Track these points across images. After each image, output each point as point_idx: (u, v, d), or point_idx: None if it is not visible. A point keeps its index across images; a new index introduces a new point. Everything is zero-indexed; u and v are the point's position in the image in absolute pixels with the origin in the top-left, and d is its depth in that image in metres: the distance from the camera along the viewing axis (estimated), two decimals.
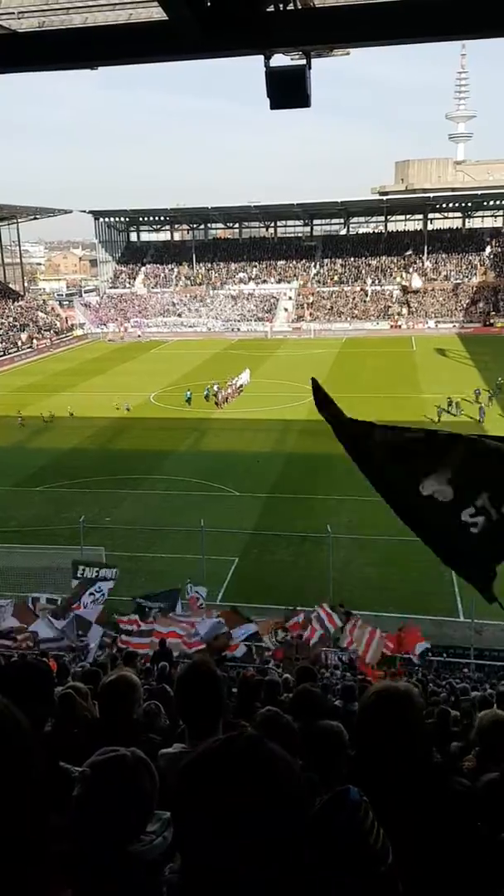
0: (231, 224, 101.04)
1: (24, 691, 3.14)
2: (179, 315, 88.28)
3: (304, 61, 7.00)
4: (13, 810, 1.10)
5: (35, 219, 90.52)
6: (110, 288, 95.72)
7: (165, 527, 25.49)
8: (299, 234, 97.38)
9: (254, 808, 1.11)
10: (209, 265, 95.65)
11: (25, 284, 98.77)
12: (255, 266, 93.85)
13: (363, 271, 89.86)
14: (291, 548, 24.23)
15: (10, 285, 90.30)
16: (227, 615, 16.10)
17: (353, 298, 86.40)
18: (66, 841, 1.90)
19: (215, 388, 47.74)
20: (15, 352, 70.78)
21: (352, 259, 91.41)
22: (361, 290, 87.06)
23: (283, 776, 1.16)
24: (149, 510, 28.18)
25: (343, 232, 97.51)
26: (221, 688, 3.05)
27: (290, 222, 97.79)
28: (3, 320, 76.84)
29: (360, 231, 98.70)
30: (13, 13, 6.63)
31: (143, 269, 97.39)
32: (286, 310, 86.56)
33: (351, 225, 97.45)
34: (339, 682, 11.40)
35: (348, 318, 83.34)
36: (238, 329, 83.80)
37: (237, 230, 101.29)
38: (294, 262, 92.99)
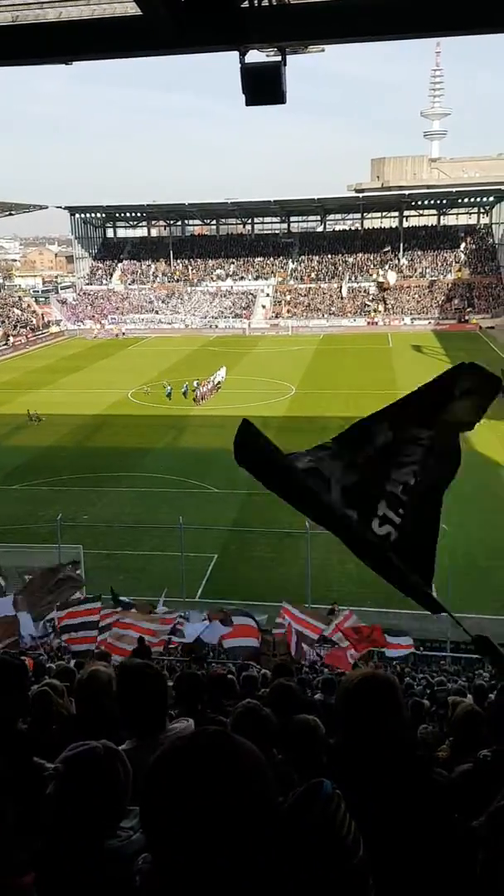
0: (208, 221, 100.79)
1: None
2: (157, 312, 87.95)
3: (279, 58, 7.02)
4: None
5: (10, 214, 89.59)
6: (87, 284, 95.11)
7: (144, 524, 25.44)
8: (276, 231, 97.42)
9: (222, 801, 1.11)
10: (186, 262, 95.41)
11: (1, 281, 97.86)
12: (233, 263, 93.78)
13: (340, 268, 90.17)
14: (271, 544, 24.27)
15: None
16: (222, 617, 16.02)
17: (331, 295, 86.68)
18: (39, 834, 1.92)
19: (195, 384, 47.68)
20: None
21: (329, 256, 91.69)
22: (338, 286, 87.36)
23: (250, 769, 1.16)
24: (127, 507, 28.09)
25: (320, 229, 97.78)
26: (162, 684, 3.09)
27: (267, 219, 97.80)
28: None
29: (337, 228, 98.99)
30: None
31: (120, 265, 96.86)
32: (264, 307, 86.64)
33: (328, 222, 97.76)
34: (316, 676, 11.45)
35: (325, 315, 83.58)
36: (216, 326, 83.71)
37: (214, 227, 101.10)
38: (271, 259, 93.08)
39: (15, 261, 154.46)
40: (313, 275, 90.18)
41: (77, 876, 1.79)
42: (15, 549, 22.07)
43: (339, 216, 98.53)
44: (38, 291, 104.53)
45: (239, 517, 26.44)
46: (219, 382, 50.18)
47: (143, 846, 1.83)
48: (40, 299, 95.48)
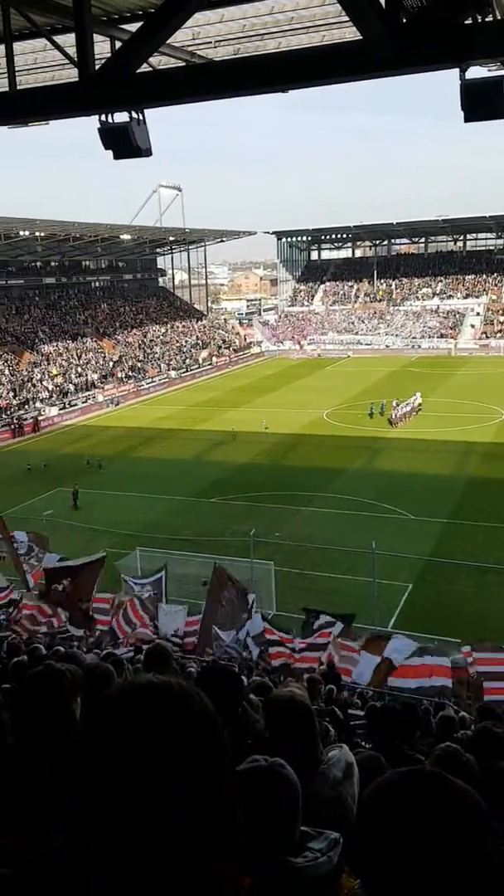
0: (416, 239, 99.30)
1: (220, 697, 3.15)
2: (357, 332, 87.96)
3: (502, 72, 6.70)
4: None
5: (221, 241, 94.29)
6: (289, 306, 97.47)
7: (335, 546, 25.28)
8: (490, 248, 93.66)
9: (441, 847, 1.07)
10: (391, 281, 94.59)
11: (209, 304, 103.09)
12: (441, 281, 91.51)
13: None
14: (472, 578, 22.98)
15: (196, 305, 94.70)
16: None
17: None
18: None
19: (394, 404, 46.94)
20: (196, 368, 73.91)
21: None
22: None
23: (470, 816, 1.11)
24: (318, 528, 28.10)
25: None
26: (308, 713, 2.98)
27: (480, 235, 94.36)
28: (187, 338, 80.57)
29: None
30: (210, 42, 6.84)
31: (322, 286, 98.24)
32: (473, 326, 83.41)
33: None
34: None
35: None
36: (419, 346, 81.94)
37: (423, 245, 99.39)
38: (484, 277, 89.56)
39: (223, 285, 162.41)
40: None
41: (262, 887, 1.76)
42: (209, 560, 22.77)
43: None
44: (241, 314, 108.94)
45: (437, 547, 25.42)
46: (419, 405, 48.94)
47: (329, 872, 1.80)
48: (243, 321, 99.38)
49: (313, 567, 24.10)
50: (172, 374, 69.77)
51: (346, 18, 6.81)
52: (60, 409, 55.88)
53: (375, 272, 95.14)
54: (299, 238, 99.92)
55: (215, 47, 7.75)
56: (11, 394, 55.37)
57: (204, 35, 7.83)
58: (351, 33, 7.67)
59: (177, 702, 1.03)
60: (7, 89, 7.31)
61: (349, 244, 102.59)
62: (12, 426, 50.66)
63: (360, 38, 5.96)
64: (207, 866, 0.97)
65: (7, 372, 58.90)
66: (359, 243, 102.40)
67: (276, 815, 1.90)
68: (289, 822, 1.93)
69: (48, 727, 2.23)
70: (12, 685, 4.92)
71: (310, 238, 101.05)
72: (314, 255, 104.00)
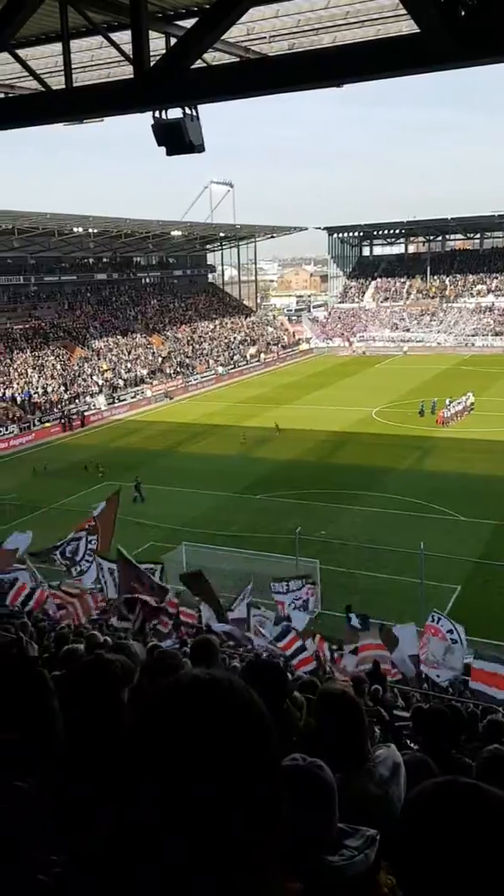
0: (471, 234, 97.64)
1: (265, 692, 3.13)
2: (408, 330, 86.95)
3: None
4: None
5: (271, 237, 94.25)
6: (339, 303, 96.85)
7: (382, 545, 25.05)
8: None
9: (473, 856, 1.07)
10: (444, 278, 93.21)
11: (258, 301, 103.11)
12: (497, 278, 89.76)
13: None
14: None
15: (245, 301, 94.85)
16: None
17: None
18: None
19: (446, 402, 46.29)
20: (244, 364, 74.05)
21: None
22: None
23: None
24: (365, 527, 27.89)
25: None
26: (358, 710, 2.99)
27: None
28: (236, 335, 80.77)
29: None
30: (264, 37, 6.81)
31: (373, 283, 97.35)
32: None
33: None
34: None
35: None
36: (472, 344, 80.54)
37: (478, 241, 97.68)
38: None
39: (272, 281, 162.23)
40: None
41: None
42: (253, 557, 22.83)
43: None
44: (291, 310, 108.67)
45: (488, 549, 24.97)
46: (471, 404, 48.14)
47: (365, 871, 1.80)
48: (293, 318, 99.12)
49: (359, 566, 23.93)
50: (220, 370, 70.04)
51: (403, 11, 6.71)
52: (109, 404, 56.64)
53: (429, 268, 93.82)
54: (351, 234, 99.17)
55: (270, 42, 7.73)
56: (62, 388, 56.33)
57: (258, 30, 7.81)
58: (407, 26, 7.56)
59: (227, 697, 1.03)
60: (63, 87, 7.41)
61: (402, 240, 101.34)
62: (62, 420, 51.54)
63: (417, 30, 5.86)
64: (250, 861, 0.97)
65: (59, 367, 59.94)
66: (412, 239, 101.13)
67: (312, 815, 1.90)
68: (324, 821, 1.94)
69: (98, 717, 2.26)
70: (63, 673, 5.00)
71: (361, 234, 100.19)
72: (366, 251, 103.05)
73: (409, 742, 6.49)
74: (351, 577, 23.07)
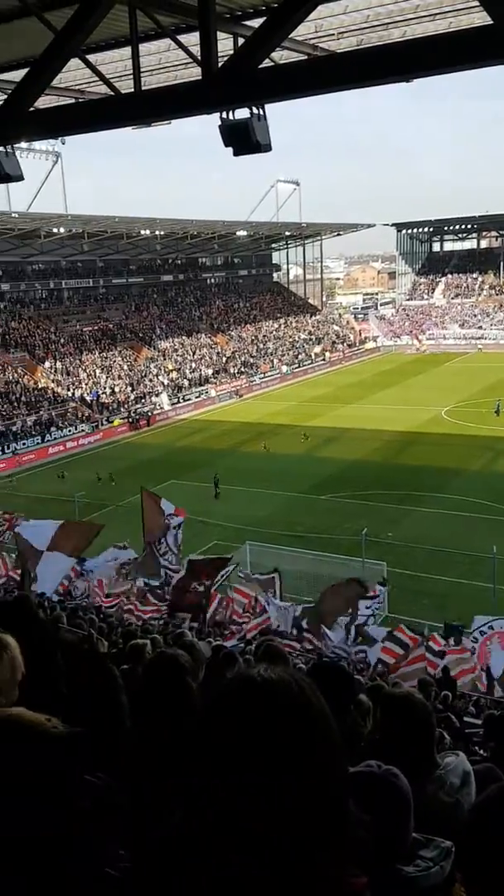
0: None
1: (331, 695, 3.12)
2: (480, 327, 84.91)
3: None
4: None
5: (338, 235, 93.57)
6: (407, 300, 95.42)
7: (451, 549, 24.53)
8: None
9: None
10: None
11: (324, 299, 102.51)
12: None
13: None
14: None
15: (310, 300, 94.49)
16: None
17: None
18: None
19: None
20: (309, 363, 73.77)
21: None
22: None
23: None
24: (434, 529, 27.36)
25: None
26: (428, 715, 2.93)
27: None
28: (301, 334, 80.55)
29: None
30: (332, 34, 6.76)
31: (443, 279, 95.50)
32: None
33: None
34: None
35: None
36: None
37: None
38: None
39: (338, 279, 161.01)
40: None
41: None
42: (319, 558, 22.67)
43: None
44: (357, 308, 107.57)
45: None
46: None
47: (440, 883, 1.76)
48: (359, 316, 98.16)
49: (427, 570, 23.48)
50: (284, 369, 69.95)
51: (475, 4, 6.56)
52: (173, 404, 57.29)
53: (502, 264, 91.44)
54: (420, 229, 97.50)
55: (338, 39, 7.67)
56: (129, 388, 57.31)
57: (327, 27, 7.75)
58: (479, 18, 7.38)
59: (292, 695, 1.04)
60: (133, 90, 7.51)
61: (474, 235, 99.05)
62: (130, 419, 52.44)
63: (491, 22, 5.71)
64: (311, 859, 0.97)
65: (126, 367, 60.99)
66: (484, 234, 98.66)
67: (388, 823, 1.86)
68: (400, 830, 1.90)
69: (167, 711, 2.27)
70: (131, 667, 5.07)
71: (431, 229, 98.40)
72: (436, 247, 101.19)
73: (478, 749, 6.35)
74: (418, 580, 22.69)
